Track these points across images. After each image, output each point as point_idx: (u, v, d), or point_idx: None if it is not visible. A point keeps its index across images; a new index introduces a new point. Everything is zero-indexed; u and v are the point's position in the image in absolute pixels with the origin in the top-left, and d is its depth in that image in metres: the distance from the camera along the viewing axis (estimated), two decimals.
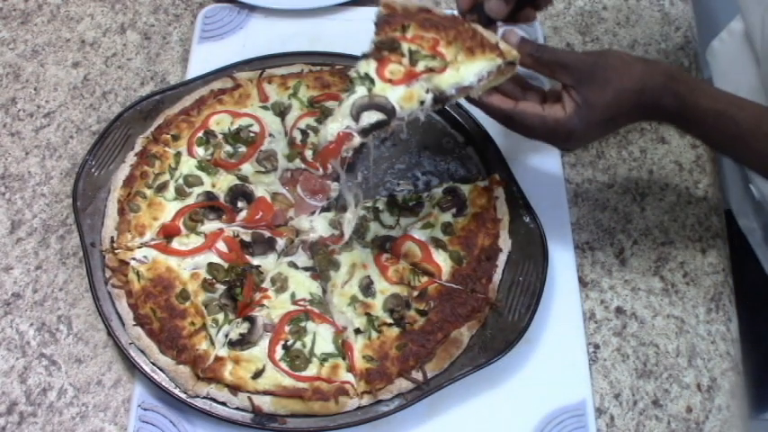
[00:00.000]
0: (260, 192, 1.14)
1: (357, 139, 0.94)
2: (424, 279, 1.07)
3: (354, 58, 1.23)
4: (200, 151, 1.16)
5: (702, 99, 0.94)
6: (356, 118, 0.95)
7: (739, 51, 1.17)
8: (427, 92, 0.96)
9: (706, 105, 0.94)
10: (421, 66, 0.97)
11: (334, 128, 0.94)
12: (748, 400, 1.08)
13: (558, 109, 0.95)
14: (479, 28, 0.99)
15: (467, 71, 0.96)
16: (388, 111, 0.95)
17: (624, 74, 0.93)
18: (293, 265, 1.09)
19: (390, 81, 0.97)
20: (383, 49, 0.98)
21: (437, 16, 1.00)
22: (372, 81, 0.97)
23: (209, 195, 1.13)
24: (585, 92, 0.93)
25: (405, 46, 0.98)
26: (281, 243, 1.11)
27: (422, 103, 0.96)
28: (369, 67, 0.98)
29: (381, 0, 1.03)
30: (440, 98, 0.96)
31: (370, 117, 0.95)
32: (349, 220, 1.10)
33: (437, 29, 0.99)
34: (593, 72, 0.93)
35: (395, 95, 0.96)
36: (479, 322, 1.03)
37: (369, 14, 1.36)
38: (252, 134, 1.17)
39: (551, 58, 0.96)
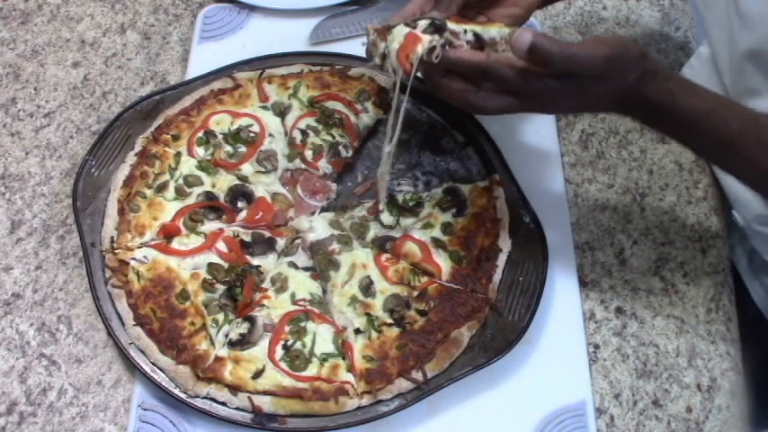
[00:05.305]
0: (260, 192, 1.14)
1: (426, 38, 0.92)
2: (424, 279, 1.07)
3: (354, 58, 1.24)
4: (200, 151, 1.16)
5: (689, 98, 0.88)
6: (413, 26, 0.95)
7: (708, 76, 1.17)
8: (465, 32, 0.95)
9: (692, 105, 0.87)
10: None
11: (400, 30, 0.94)
12: (749, 404, 1.08)
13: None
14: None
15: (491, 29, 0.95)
16: (437, 23, 0.95)
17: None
18: (293, 265, 1.09)
19: None
20: None
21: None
22: None
23: (209, 195, 1.13)
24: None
25: None
26: (281, 243, 1.11)
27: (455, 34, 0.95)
28: None
29: (367, 27, 1.00)
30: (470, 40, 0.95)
31: (423, 23, 0.95)
32: (382, 174, 1.05)
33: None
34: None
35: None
36: (479, 322, 1.03)
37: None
38: (252, 134, 1.17)
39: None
